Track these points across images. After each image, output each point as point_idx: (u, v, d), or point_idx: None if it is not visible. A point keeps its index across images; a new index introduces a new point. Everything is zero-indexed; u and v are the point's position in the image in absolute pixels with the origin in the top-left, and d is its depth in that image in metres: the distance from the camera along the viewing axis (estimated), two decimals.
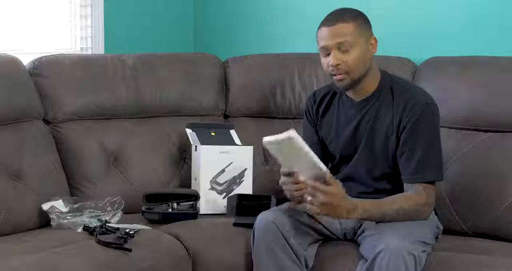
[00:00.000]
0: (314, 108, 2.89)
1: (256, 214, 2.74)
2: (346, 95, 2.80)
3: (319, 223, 2.73)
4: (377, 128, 2.74)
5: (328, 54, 2.69)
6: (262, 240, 2.66)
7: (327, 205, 2.47)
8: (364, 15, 2.74)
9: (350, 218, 2.60)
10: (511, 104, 2.98)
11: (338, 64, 2.67)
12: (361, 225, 2.73)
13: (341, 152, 2.83)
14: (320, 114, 2.88)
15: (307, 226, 2.71)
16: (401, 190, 2.69)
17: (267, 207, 2.94)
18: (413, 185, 2.66)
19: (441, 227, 2.80)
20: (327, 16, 2.73)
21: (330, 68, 2.69)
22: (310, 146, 2.83)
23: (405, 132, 2.67)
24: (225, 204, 3.12)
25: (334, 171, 2.88)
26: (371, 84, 2.75)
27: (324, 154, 2.89)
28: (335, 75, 2.69)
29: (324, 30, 2.69)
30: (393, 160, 2.72)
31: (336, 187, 2.49)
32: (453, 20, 3.38)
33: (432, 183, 2.67)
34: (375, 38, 2.73)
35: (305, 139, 2.87)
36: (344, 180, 2.79)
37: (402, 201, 2.62)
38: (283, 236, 2.64)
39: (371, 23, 2.75)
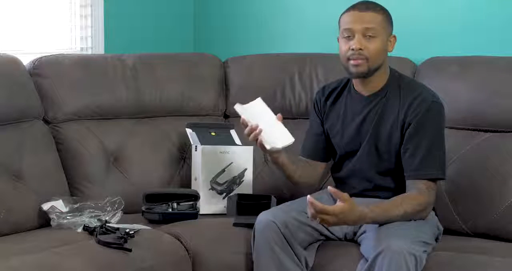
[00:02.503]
0: (322, 100, 2.90)
1: (256, 214, 2.74)
2: (355, 89, 2.81)
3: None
4: (382, 124, 2.74)
5: (350, 38, 2.70)
6: (263, 240, 2.66)
7: (335, 224, 2.53)
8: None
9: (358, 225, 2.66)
10: (511, 104, 2.98)
11: (360, 49, 2.68)
12: (361, 226, 2.73)
13: (346, 146, 2.83)
14: (327, 106, 2.88)
15: (308, 226, 2.71)
16: (403, 186, 2.70)
17: (267, 207, 2.94)
18: (415, 182, 2.66)
19: (442, 228, 2.79)
20: (357, 3, 2.76)
21: (350, 52, 2.69)
22: (312, 136, 2.87)
23: (410, 129, 2.68)
24: (225, 204, 3.12)
25: (336, 167, 2.89)
26: (380, 80, 2.76)
27: (327, 148, 2.90)
28: (353, 59, 2.70)
29: (354, 13, 2.72)
30: (397, 156, 2.73)
31: (346, 204, 2.48)
32: (453, 20, 3.38)
33: (434, 181, 2.68)
34: (394, 36, 2.78)
35: (310, 128, 2.90)
36: (347, 176, 2.80)
37: (407, 204, 2.62)
38: (283, 236, 2.64)
39: None
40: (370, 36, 2.68)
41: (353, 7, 2.74)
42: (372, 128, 2.76)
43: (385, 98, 2.75)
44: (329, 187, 2.52)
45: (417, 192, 2.64)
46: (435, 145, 2.68)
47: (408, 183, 2.68)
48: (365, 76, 2.73)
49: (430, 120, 2.67)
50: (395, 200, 2.64)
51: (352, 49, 2.68)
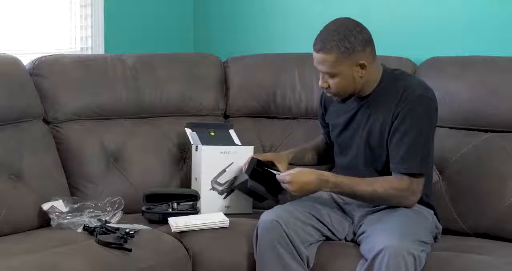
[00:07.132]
0: (325, 96, 2.92)
1: (266, 186, 2.85)
2: None
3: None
4: (375, 119, 2.75)
5: (319, 73, 2.75)
6: (266, 240, 2.67)
7: (298, 190, 2.70)
8: (352, 36, 2.66)
9: (324, 190, 2.73)
10: (511, 104, 2.98)
11: (325, 87, 2.75)
12: (361, 225, 2.73)
13: (341, 142, 2.86)
14: (330, 101, 2.90)
15: (310, 226, 2.72)
16: None
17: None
18: (398, 174, 2.68)
19: (440, 227, 2.80)
20: (317, 35, 2.71)
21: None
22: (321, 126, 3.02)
23: (395, 122, 2.68)
24: (226, 204, 3.11)
25: (336, 158, 2.92)
26: (369, 88, 2.75)
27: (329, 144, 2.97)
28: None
29: (313, 53, 2.72)
30: (389, 152, 2.73)
31: (292, 173, 2.70)
32: (453, 20, 3.38)
33: (415, 175, 2.68)
34: (362, 64, 2.68)
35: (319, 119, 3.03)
36: (345, 172, 2.80)
37: (379, 184, 2.68)
38: (287, 235, 2.65)
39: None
40: (329, 75, 2.71)
41: (313, 43, 2.71)
42: (364, 124, 2.77)
43: (376, 100, 2.75)
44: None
45: (397, 179, 2.67)
46: (418, 139, 2.67)
47: (393, 174, 2.70)
48: (345, 101, 2.80)
49: (415, 113, 2.66)
50: (370, 178, 2.70)
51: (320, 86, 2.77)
